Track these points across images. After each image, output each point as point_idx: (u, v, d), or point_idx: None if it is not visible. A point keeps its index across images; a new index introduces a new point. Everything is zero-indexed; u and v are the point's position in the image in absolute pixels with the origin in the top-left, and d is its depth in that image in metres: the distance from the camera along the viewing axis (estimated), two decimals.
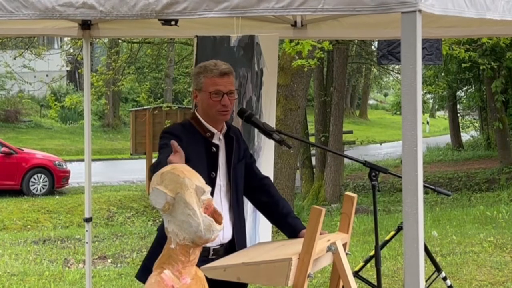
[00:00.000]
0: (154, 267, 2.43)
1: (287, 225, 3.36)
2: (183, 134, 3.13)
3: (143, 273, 3.04)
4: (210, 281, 2.76)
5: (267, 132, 3.37)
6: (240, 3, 2.23)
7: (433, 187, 3.78)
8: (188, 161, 2.71)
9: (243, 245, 3.32)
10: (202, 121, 3.23)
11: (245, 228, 3.42)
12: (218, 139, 3.26)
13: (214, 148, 3.20)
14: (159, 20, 3.51)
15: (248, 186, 3.39)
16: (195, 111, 3.27)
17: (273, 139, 3.36)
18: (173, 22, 3.60)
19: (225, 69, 3.18)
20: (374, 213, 3.35)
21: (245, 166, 3.38)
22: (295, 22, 4.73)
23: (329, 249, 3.05)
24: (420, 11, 2.02)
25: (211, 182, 3.15)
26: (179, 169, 2.45)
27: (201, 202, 2.40)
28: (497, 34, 6.40)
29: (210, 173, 3.17)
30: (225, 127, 3.30)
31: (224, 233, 3.23)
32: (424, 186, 3.55)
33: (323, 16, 4.43)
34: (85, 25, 4.65)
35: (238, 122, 4.11)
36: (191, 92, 3.40)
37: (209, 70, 3.17)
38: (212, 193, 3.14)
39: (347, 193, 3.32)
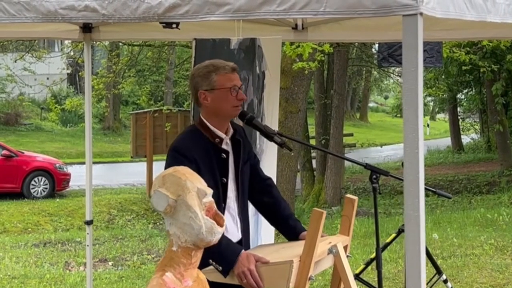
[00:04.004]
0: (156, 269, 2.43)
1: (288, 227, 3.35)
2: (194, 149, 3.05)
3: None
4: (212, 284, 2.76)
5: (268, 135, 3.37)
6: (241, 6, 2.23)
7: (434, 190, 3.78)
8: (199, 171, 2.66)
9: (247, 248, 3.32)
10: (210, 126, 3.15)
11: (249, 230, 3.42)
12: (226, 144, 3.20)
13: (224, 155, 3.15)
14: (160, 23, 3.51)
15: (251, 187, 3.36)
16: (201, 116, 3.20)
17: (274, 141, 3.36)
18: (174, 25, 3.59)
19: (234, 65, 3.17)
20: (375, 216, 3.36)
21: (250, 167, 3.37)
22: (296, 24, 4.73)
23: (330, 251, 3.05)
24: (421, 14, 2.02)
25: (223, 188, 3.12)
26: (181, 171, 2.45)
27: (202, 204, 2.40)
28: (498, 37, 6.41)
29: (221, 179, 3.13)
30: (231, 130, 3.25)
31: (234, 237, 3.21)
32: (425, 189, 3.57)
33: (324, 19, 4.43)
34: (86, 28, 4.65)
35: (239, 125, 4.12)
36: (191, 95, 3.32)
37: (221, 67, 3.13)
38: (224, 200, 3.14)
39: (348, 195, 3.33)
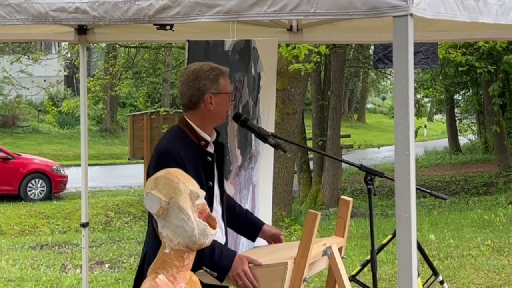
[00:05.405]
0: (148, 272, 2.43)
1: (249, 222, 3.40)
2: (184, 152, 3.00)
3: None
4: (205, 286, 2.76)
5: (262, 136, 3.37)
6: (232, 8, 2.23)
7: (429, 191, 3.79)
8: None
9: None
10: (196, 128, 3.10)
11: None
12: (210, 147, 3.17)
13: (209, 158, 3.11)
14: (154, 25, 3.50)
15: None
16: (186, 118, 3.13)
17: (269, 143, 3.36)
18: (168, 27, 3.58)
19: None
20: (370, 217, 3.36)
21: None
22: (291, 26, 4.73)
23: (324, 253, 3.05)
24: (411, 15, 2.02)
25: (209, 192, 3.09)
26: (174, 174, 2.45)
27: (195, 206, 2.40)
28: (493, 38, 6.41)
29: (207, 183, 3.10)
30: (214, 133, 3.21)
31: (219, 240, 3.21)
32: (420, 190, 3.57)
33: (318, 20, 4.43)
34: (81, 30, 4.65)
35: (233, 127, 4.11)
36: (188, 96, 3.23)
37: (225, 72, 3.13)
38: (211, 204, 3.10)
39: (343, 197, 3.33)
